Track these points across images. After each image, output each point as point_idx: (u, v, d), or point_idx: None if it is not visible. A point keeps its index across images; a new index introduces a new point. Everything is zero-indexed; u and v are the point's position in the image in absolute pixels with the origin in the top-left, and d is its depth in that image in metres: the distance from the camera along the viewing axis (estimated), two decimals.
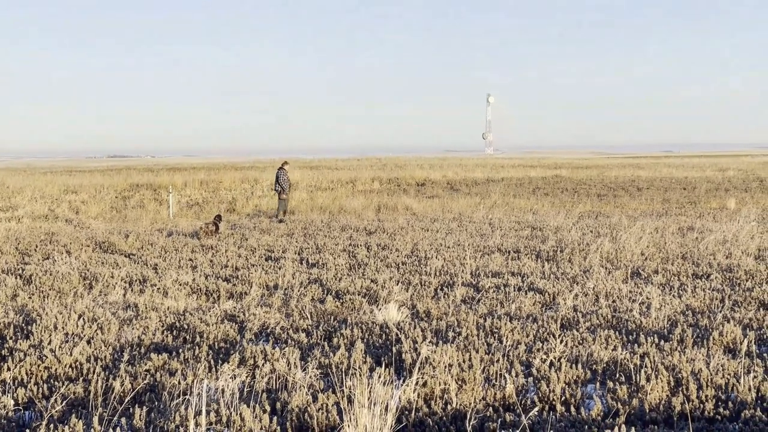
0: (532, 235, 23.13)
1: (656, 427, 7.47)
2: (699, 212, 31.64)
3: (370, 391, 6.83)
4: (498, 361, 9.31)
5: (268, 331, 11.45)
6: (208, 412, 7.16)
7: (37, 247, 21.76)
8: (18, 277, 16.46)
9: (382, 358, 9.66)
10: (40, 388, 8.58)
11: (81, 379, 9.02)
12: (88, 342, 10.37)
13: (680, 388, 8.34)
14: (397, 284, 14.81)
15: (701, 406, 7.92)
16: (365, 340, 10.68)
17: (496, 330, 11.06)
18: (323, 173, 66.69)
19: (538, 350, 9.86)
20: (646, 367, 8.96)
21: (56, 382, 8.82)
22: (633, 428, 6.73)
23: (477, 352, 9.61)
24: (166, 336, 11.04)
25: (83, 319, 11.80)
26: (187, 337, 11.03)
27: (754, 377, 8.55)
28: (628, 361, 9.27)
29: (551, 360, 9.34)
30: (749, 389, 8.24)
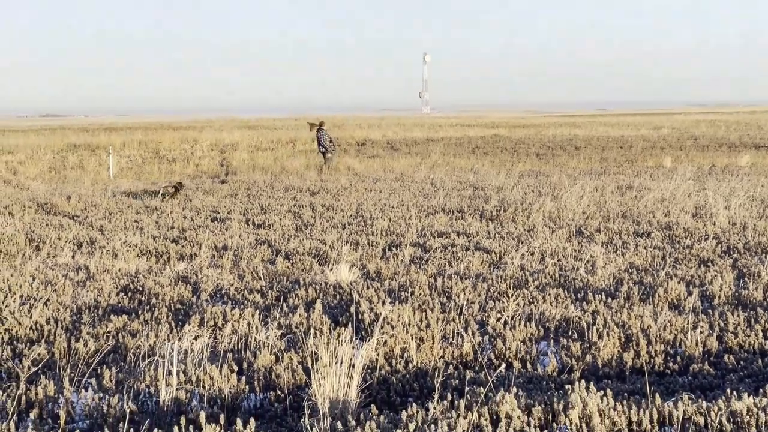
0: (475, 195, 23.39)
1: (610, 381, 7.74)
2: (636, 171, 32.17)
3: (335, 350, 6.99)
4: (453, 320, 9.55)
5: (222, 292, 11.56)
6: (177, 373, 7.29)
7: None
8: None
9: (340, 318, 9.85)
10: (4, 351, 8.63)
11: (43, 340, 9.08)
12: (45, 304, 10.40)
13: (630, 344, 8.63)
14: (346, 245, 14.97)
15: (651, 360, 8.23)
16: (320, 300, 10.84)
17: (447, 289, 11.28)
18: (262, 133, 66.39)
19: (492, 309, 10.10)
20: (597, 324, 9.24)
21: (18, 344, 8.87)
22: (589, 383, 6.98)
23: (432, 311, 9.82)
24: (122, 298, 11.11)
25: (37, 281, 11.81)
26: (143, 299, 11.09)
27: (701, 332, 8.88)
28: (579, 318, 9.54)
29: (505, 319, 9.59)
30: (696, 344, 8.56)
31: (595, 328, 9.00)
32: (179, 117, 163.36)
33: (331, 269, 12.39)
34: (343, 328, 8.86)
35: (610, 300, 10.52)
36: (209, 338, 8.83)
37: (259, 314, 9.83)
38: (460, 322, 9.52)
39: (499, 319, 9.59)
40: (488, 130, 70.11)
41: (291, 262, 13.85)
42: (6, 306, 10.10)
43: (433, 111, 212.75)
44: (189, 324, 9.25)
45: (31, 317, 9.63)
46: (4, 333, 9.21)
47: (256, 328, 9.16)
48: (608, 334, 8.73)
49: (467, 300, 10.60)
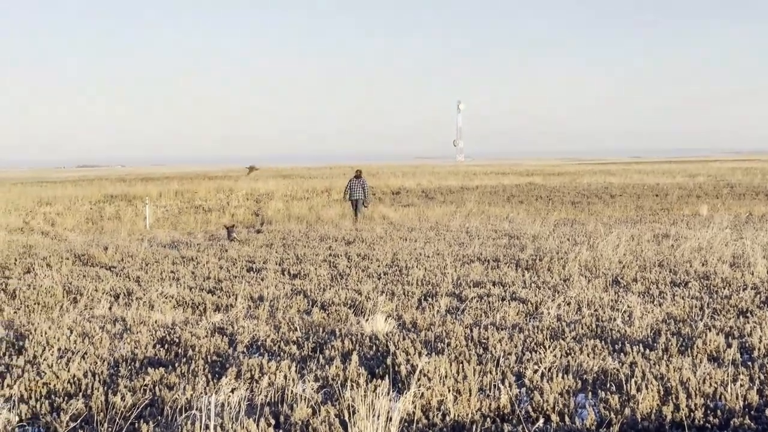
0: (510, 244, 23.35)
1: None
2: (672, 219, 32.01)
3: (372, 403, 6.99)
4: (490, 371, 9.50)
5: (259, 343, 11.58)
6: (214, 427, 7.30)
7: (16, 260, 21.73)
8: (1, 291, 16.49)
9: (376, 370, 9.82)
10: (42, 405, 8.67)
11: (80, 394, 9.12)
12: (83, 357, 10.45)
13: (670, 397, 8.55)
14: (381, 295, 14.97)
15: (691, 414, 8.13)
16: (356, 351, 10.82)
17: (484, 340, 11.23)
18: (297, 182, 66.76)
19: (528, 360, 10.04)
20: (635, 376, 9.16)
21: (56, 398, 8.91)
22: None
23: (469, 363, 9.78)
24: (159, 350, 11.13)
25: (74, 333, 11.88)
26: (179, 351, 11.12)
27: (741, 385, 8.78)
28: (617, 370, 9.47)
29: (542, 370, 9.53)
30: (737, 397, 8.46)
31: (633, 380, 8.92)
32: (215, 166, 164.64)
33: (367, 320, 12.38)
34: (379, 380, 8.86)
35: (648, 351, 10.43)
36: (246, 391, 8.84)
37: (296, 366, 9.83)
38: (496, 373, 9.47)
39: (536, 371, 9.54)
40: (523, 178, 70.16)
41: (327, 312, 13.86)
42: (44, 359, 10.18)
43: (467, 159, 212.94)
44: (226, 376, 9.27)
45: (68, 371, 9.68)
46: (42, 387, 9.27)
47: (293, 380, 9.16)
48: (647, 387, 8.65)
49: (504, 351, 10.56)
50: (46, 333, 11.77)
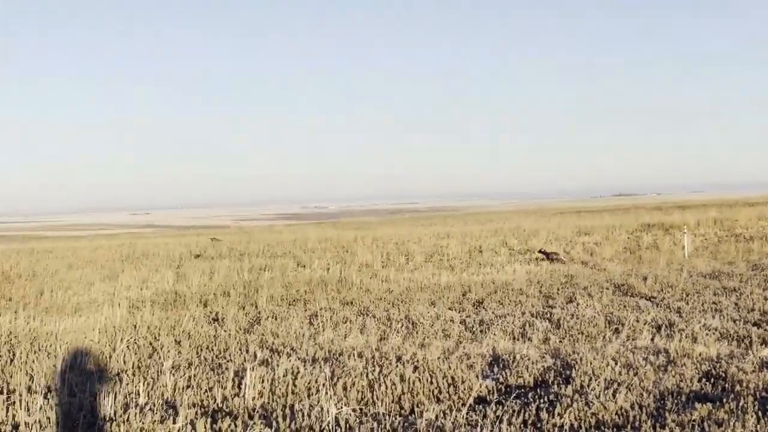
0: None
1: None
2: None
3: None
4: None
5: None
6: None
7: (558, 289, 22.51)
8: (546, 320, 17.14)
9: None
10: None
11: (628, 426, 9.20)
12: (628, 388, 10.54)
13: None
14: None
15: None
16: None
17: None
18: None
19: None
20: None
21: (605, 429, 9.08)
22: None
23: None
24: (704, 384, 10.92)
25: (618, 364, 12.02)
26: (726, 385, 10.82)
27: None
28: None
29: None
30: None
31: None
32: (754, 192, 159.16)
33: None
34: None
35: None
36: None
37: None
38: None
39: None
40: None
41: None
42: (591, 389, 10.40)
43: None
44: None
45: (615, 402, 9.81)
46: (591, 417, 9.47)
47: None
48: None
49: None
50: (591, 363, 12.03)
